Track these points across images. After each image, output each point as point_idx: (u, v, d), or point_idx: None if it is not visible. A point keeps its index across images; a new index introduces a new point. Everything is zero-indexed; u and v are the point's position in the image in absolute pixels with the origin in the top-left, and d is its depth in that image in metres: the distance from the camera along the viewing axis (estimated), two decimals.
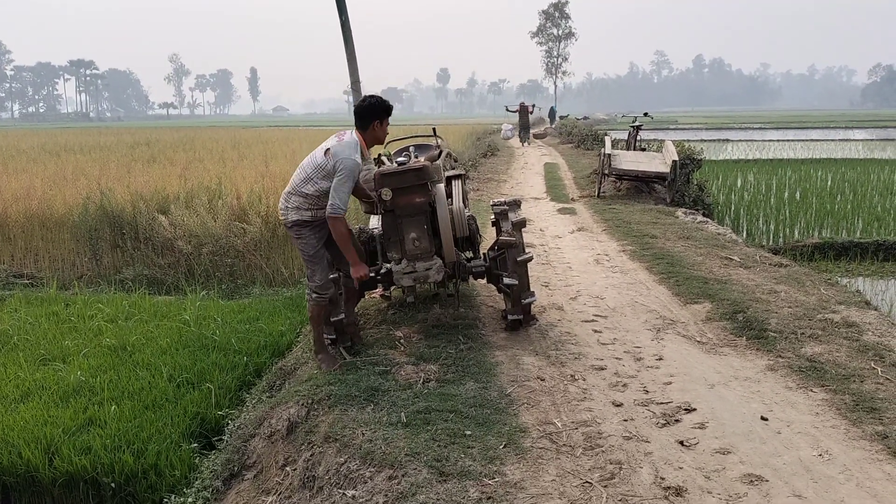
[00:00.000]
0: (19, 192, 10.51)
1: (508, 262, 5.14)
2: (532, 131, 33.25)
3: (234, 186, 10.42)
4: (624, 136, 17.58)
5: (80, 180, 11.66)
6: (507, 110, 31.44)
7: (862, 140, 34.14)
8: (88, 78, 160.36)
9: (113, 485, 4.23)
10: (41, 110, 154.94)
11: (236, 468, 4.05)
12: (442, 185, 5.05)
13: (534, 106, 32.38)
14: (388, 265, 5.18)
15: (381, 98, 4.63)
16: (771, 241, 10.85)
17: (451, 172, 5.85)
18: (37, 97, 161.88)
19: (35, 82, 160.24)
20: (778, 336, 4.99)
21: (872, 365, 4.39)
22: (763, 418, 3.76)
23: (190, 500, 3.91)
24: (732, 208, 13.38)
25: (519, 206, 5.52)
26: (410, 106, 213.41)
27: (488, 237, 6.02)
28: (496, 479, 3.16)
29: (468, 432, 3.60)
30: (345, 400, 4.04)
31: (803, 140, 34.98)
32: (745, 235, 11.10)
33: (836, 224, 11.64)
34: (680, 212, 11.19)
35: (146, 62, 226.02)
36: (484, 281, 5.76)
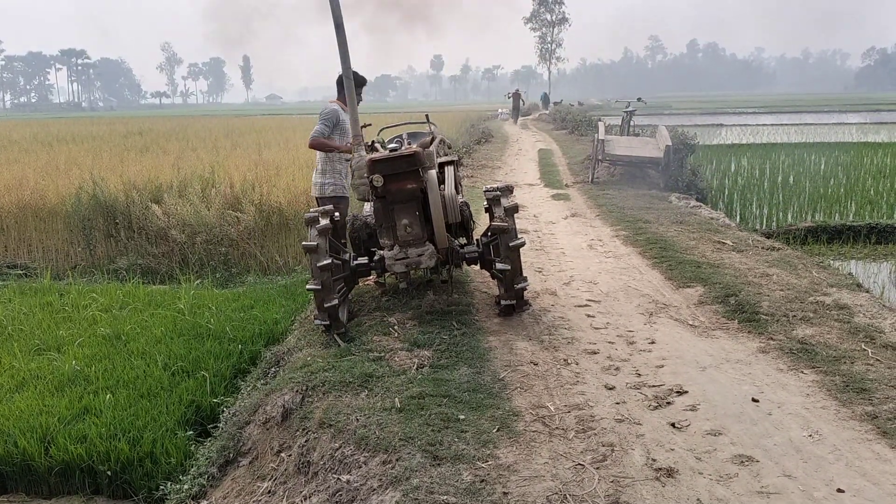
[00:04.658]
0: (12, 183, 10.48)
1: (501, 247, 5.14)
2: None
3: (227, 175, 10.40)
4: (618, 121, 17.57)
5: (73, 170, 11.61)
6: (507, 97, 40.77)
7: (855, 124, 34.19)
8: (80, 67, 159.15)
9: (109, 473, 4.25)
10: (33, 100, 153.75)
11: (232, 455, 4.06)
12: (434, 172, 5.05)
13: (524, 92, 43.84)
14: (381, 252, 5.19)
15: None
16: (764, 225, 10.89)
17: (444, 158, 5.84)
18: (28, 87, 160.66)
19: (26, 72, 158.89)
20: (770, 319, 5.02)
21: (863, 346, 4.43)
22: (754, 400, 3.79)
23: (186, 486, 3.93)
24: (726, 193, 13.41)
25: (511, 191, 5.52)
26: (405, 93, 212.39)
27: (482, 223, 6.04)
28: (489, 463, 3.18)
29: (462, 417, 3.62)
30: (339, 386, 4.06)
31: (797, 124, 35.02)
32: (738, 220, 11.13)
33: (829, 208, 11.67)
34: (673, 197, 11.22)
35: (138, 51, 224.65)
36: (477, 267, 5.77)
